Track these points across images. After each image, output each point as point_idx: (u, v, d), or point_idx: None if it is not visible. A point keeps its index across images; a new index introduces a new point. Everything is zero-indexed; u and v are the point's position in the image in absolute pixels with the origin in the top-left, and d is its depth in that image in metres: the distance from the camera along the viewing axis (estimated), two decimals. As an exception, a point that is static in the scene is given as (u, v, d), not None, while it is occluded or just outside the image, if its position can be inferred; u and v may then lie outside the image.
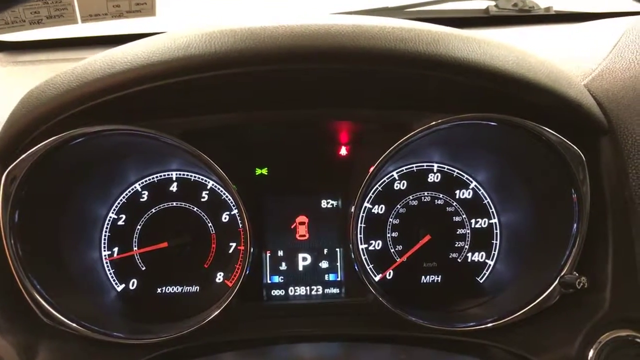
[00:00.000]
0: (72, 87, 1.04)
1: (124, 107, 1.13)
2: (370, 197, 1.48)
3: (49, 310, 1.16)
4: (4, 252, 1.15)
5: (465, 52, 1.02)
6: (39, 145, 1.12)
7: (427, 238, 1.45)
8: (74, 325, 1.17)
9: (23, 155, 1.13)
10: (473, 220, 1.49)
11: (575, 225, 1.19)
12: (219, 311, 1.24)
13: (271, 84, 1.14)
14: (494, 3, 1.96)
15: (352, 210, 1.29)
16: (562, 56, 1.40)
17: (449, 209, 1.49)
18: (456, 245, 1.49)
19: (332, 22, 1.00)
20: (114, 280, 1.46)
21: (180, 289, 1.46)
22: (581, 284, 1.14)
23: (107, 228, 1.46)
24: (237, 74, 1.00)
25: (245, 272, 1.28)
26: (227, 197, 1.47)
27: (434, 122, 1.19)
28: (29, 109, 1.10)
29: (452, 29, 1.07)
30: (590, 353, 1.13)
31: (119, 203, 1.47)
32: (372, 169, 1.25)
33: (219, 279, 1.47)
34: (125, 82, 1.01)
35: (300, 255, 1.46)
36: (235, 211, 1.47)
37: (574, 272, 1.18)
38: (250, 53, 0.96)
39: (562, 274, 1.19)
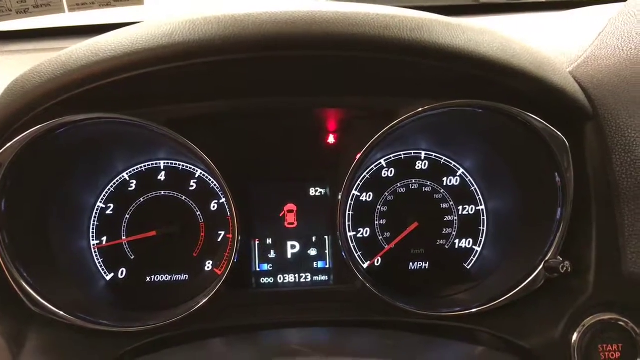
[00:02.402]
0: (57, 75, 1.03)
1: (109, 96, 1.13)
2: (359, 184, 1.49)
3: (37, 299, 1.17)
4: None
5: (449, 38, 1.02)
6: (24, 134, 1.12)
7: (414, 225, 1.47)
8: (63, 313, 1.18)
9: (8, 144, 1.12)
10: (460, 207, 1.50)
11: (559, 210, 1.20)
12: (207, 299, 1.25)
13: (256, 72, 1.14)
14: (484, -9, 1.97)
15: (340, 197, 1.29)
16: (548, 43, 1.40)
17: (436, 196, 1.50)
18: (444, 232, 1.50)
19: (316, 9, 1.00)
20: (102, 269, 1.46)
21: (169, 277, 1.47)
22: (565, 268, 1.15)
23: (95, 217, 1.46)
24: (221, 61, 1.00)
25: (234, 260, 1.29)
26: (215, 185, 1.48)
27: (420, 109, 1.19)
28: (13, 97, 1.09)
29: (437, 16, 1.07)
30: (575, 336, 1.15)
31: (107, 192, 1.47)
32: (358, 156, 1.26)
33: (208, 267, 1.48)
34: (110, 70, 1.00)
35: (289, 243, 1.47)
36: (223, 200, 1.47)
37: (558, 257, 1.19)
38: (233, 40, 0.96)
39: (547, 258, 1.20)
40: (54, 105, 1.09)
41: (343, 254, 1.32)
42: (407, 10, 1.10)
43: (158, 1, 2.03)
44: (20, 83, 1.09)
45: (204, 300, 1.25)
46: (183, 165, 1.49)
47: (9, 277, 1.16)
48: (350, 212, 1.49)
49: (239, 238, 1.29)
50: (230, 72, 1.12)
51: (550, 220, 1.22)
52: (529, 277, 1.21)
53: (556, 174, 1.20)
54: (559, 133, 1.18)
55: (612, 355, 1.13)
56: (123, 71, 1.01)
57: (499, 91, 1.17)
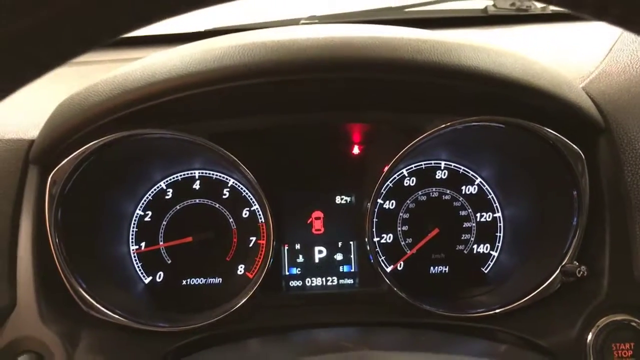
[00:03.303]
0: (114, 95, 1.12)
1: (156, 112, 1.21)
2: (382, 193, 1.58)
3: (90, 302, 1.25)
4: (49, 250, 1.24)
5: (476, 61, 1.11)
6: (80, 149, 1.21)
7: (435, 231, 1.55)
8: (114, 315, 1.26)
9: (66, 159, 1.22)
10: (478, 214, 1.59)
11: (575, 218, 1.28)
12: (244, 300, 1.33)
13: (294, 90, 1.23)
14: (492, 3, 2.01)
15: (368, 206, 1.38)
16: (560, 57, 1.49)
17: (455, 203, 1.59)
18: (462, 238, 1.59)
19: (355, 34, 1.09)
20: (141, 273, 1.55)
21: (204, 280, 1.56)
22: (581, 273, 1.23)
23: (134, 224, 1.55)
24: (266, 83, 1.09)
25: (269, 264, 1.37)
26: (247, 194, 1.56)
27: (445, 125, 1.28)
28: (70, 114, 1.18)
29: (463, 39, 1.16)
30: (589, 336, 1.22)
31: (145, 200, 1.56)
32: (386, 168, 1.34)
33: (240, 271, 1.56)
34: (165, 90, 1.09)
35: (316, 248, 1.55)
36: (254, 207, 1.56)
37: (574, 262, 1.28)
38: (280, 64, 1.05)
39: (563, 263, 1.28)
40: (108, 122, 1.18)
41: (370, 258, 1.41)
42: (435, 34, 1.19)
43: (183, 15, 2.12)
44: (76, 101, 1.18)
45: (242, 302, 1.33)
46: (217, 175, 1.57)
47: (66, 282, 1.24)
48: (375, 219, 1.57)
49: (274, 244, 1.38)
50: (269, 91, 1.21)
51: (566, 227, 1.30)
52: (546, 281, 1.29)
53: (572, 183, 1.28)
54: (575, 146, 1.27)
55: (625, 353, 1.21)
56: (177, 91, 1.10)
57: (518, 107, 1.25)
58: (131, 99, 1.12)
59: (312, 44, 1.06)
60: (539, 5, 2.04)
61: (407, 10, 1.98)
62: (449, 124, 1.28)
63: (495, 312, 1.30)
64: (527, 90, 1.16)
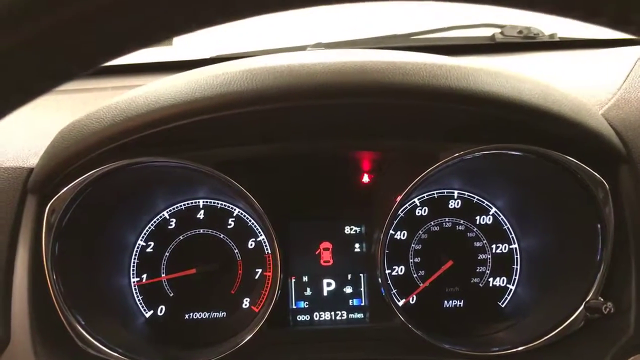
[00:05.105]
0: (117, 122, 1.08)
1: (160, 140, 1.17)
2: (393, 223, 1.52)
3: (87, 339, 1.19)
4: (45, 283, 1.18)
5: (495, 86, 1.06)
6: (81, 177, 1.16)
7: (449, 263, 1.49)
8: (112, 352, 1.20)
9: (65, 187, 1.17)
10: (493, 246, 1.52)
11: (599, 250, 1.22)
12: (250, 336, 1.27)
13: (303, 117, 1.18)
14: (499, 30, 2.01)
15: (381, 237, 1.32)
16: (571, 85, 1.44)
17: (469, 234, 1.53)
18: (477, 270, 1.52)
19: (367, 58, 1.05)
20: (142, 307, 1.48)
21: (207, 315, 1.49)
22: (607, 309, 1.16)
23: (136, 255, 1.49)
24: (276, 109, 1.04)
25: (276, 298, 1.31)
26: (253, 224, 1.51)
27: (462, 152, 1.23)
28: (70, 141, 1.13)
29: (479, 64, 1.12)
30: (617, 375, 1.16)
31: (147, 230, 1.51)
32: (399, 198, 1.29)
33: (246, 305, 1.50)
34: (171, 117, 1.05)
35: (325, 281, 1.48)
36: (260, 238, 1.50)
37: (599, 297, 1.21)
38: (291, 90, 1.01)
39: (588, 299, 1.22)
40: (110, 150, 1.13)
41: (382, 291, 1.34)
42: (449, 58, 1.15)
43: (187, 42, 2.10)
44: (77, 128, 1.14)
45: (248, 337, 1.26)
46: (222, 204, 1.52)
47: (62, 318, 1.18)
48: (386, 250, 1.51)
49: (281, 276, 1.32)
50: (278, 119, 1.16)
51: (590, 260, 1.24)
52: (569, 318, 1.22)
53: (596, 214, 1.22)
54: (598, 175, 1.21)
55: (655, 395, 1.14)
56: (182, 118, 1.05)
57: (535, 134, 1.20)
58: (134, 126, 1.07)
59: (323, 69, 1.01)
60: (547, 32, 2.03)
61: (413, 37, 1.96)
62: (466, 151, 1.23)
63: (520, 349, 1.22)
64: (547, 117, 1.11)
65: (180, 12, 0.43)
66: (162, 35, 0.44)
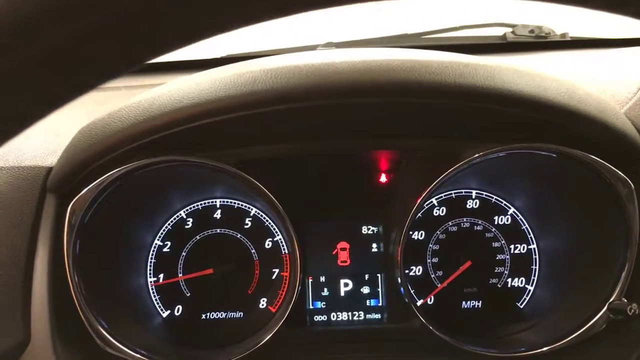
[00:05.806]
0: (139, 121, 1.07)
1: (181, 139, 1.16)
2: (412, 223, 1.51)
3: (107, 339, 1.19)
4: (65, 283, 1.17)
5: (521, 85, 1.05)
6: (103, 177, 1.15)
7: (468, 264, 1.48)
8: (131, 352, 1.19)
9: (87, 187, 1.16)
10: (512, 246, 1.51)
11: (624, 250, 1.21)
12: (269, 336, 1.26)
13: (324, 116, 1.17)
14: (510, 30, 2.00)
15: (401, 237, 1.31)
16: (586, 84, 1.43)
17: (488, 234, 1.52)
18: (496, 271, 1.51)
19: (392, 57, 1.04)
20: (159, 307, 1.47)
21: (224, 315, 1.48)
22: (632, 311, 1.15)
23: (153, 255, 1.49)
24: (301, 108, 1.03)
25: (295, 298, 1.30)
26: (270, 223, 1.50)
27: (482, 153, 1.22)
28: (92, 140, 1.12)
29: (505, 63, 1.11)
30: (641, 379, 1.15)
31: (164, 230, 1.50)
32: (419, 200, 1.28)
33: (263, 305, 1.49)
34: (196, 115, 1.04)
35: (342, 281, 1.47)
36: (277, 237, 1.49)
37: (623, 299, 1.20)
38: (316, 89, 1.00)
39: (611, 300, 1.21)
40: (131, 149, 1.12)
41: (401, 291, 1.33)
42: (471, 57, 1.14)
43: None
44: (99, 126, 1.13)
45: (267, 338, 1.26)
46: (239, 204, 1.51)
47: (83, 318, 1.18)
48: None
49: (301, 276, 1.31)
50: (299, 118, 1.15)
51: (612, 261, 1.23)
52: (592, 319, 1.22)
53: (621, 214, 1.21)
54: (623, 175, 1.20)
55: (680, 397, 1.13)
56: (206, 117, 1.04)
57: (558, 133, 1.19)
58: (158, 125, 1.06)
59: (350, 67, 1.00)
60: (558, 32, 2.02)
61: (423, 37, 1.94)
62: (490, 150, 1.22)
63: (544, 350, 1.21)
64: (574, 116, 1.10)
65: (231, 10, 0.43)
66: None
